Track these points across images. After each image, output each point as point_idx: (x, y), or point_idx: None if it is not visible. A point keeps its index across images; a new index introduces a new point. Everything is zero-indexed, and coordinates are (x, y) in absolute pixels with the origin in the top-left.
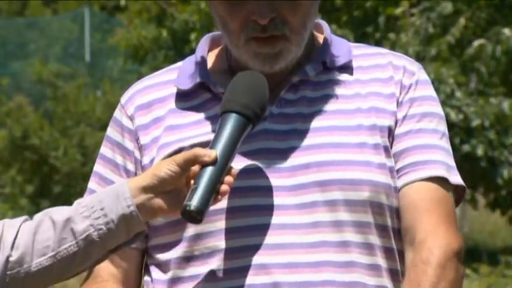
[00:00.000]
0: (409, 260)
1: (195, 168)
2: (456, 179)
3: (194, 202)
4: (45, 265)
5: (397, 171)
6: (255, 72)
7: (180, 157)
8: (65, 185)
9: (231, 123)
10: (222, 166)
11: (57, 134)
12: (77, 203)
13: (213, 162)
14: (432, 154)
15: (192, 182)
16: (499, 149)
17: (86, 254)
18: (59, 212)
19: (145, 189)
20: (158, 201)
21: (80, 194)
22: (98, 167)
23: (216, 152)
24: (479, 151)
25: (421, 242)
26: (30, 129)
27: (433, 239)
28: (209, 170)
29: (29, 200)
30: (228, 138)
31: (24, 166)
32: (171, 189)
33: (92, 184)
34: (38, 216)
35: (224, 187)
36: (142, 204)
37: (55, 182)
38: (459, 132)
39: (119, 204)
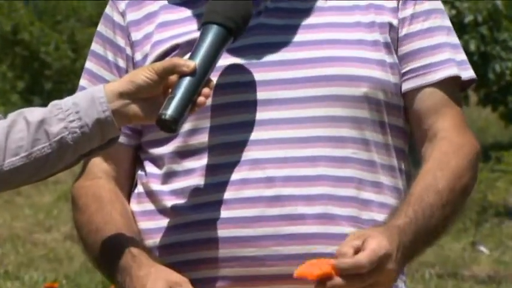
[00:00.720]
0: (432, 149)
1: (173, 77)
2: (467, 73)
3: (169, 111)
4: (17, 165)
5: (407, 72)
6: None
7: (158, 65)
8: (56, 82)
9: (211, 34)
10: (200, 77)
11: (48, 29)
12: (52, 104)
13: (192, 73)
14: (441, 54)
15: (170, 91)
16: (491, 44)
17: (59, 157)
18: (34, 113)
19: (121, 95)
20: (134, 108)
21: (72, 91)
22: (89, 64)
23: (195, 63)
24: (472, 46)
25: (446, 137)
26: (21, 23)
27: (458, 137)
28: (187, 80)
29: (21, 96)
30: (208, 50)
31: (15, 62)
32: (148, 96)
33: (83, 81)
34: (11, 116)
35: (201, 99)
36: (117, 110)
37: (46, 78)
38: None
39: (94, 109)
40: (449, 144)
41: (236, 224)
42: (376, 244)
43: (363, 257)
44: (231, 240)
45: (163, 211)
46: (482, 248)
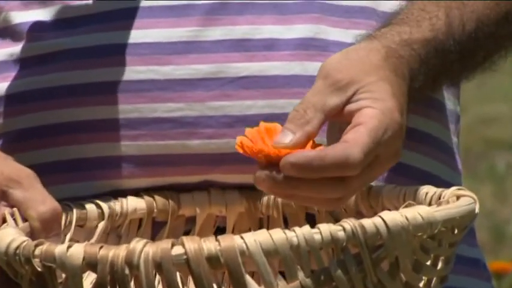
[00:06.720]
0: None
1: None
2: None
3: None
4: None
5: None
6: None
7: None
8: None
9: None
10: None
11: None
12: None
13: None
14: None
15: None
16: None
17: None
18: None
19: None
20: None
21: None
22: None
23: None
24: None
25: None
26: None
27: None
28: None
29: None
30: None
31: None
32: None
33: None
34: None
35: None
36: None
37: None
38: None
39: None
40: None
41: (144, 54)
42: (377, 118)
43: (356, 151)
44: (134, 89)
45: (7, 30)
46: None
